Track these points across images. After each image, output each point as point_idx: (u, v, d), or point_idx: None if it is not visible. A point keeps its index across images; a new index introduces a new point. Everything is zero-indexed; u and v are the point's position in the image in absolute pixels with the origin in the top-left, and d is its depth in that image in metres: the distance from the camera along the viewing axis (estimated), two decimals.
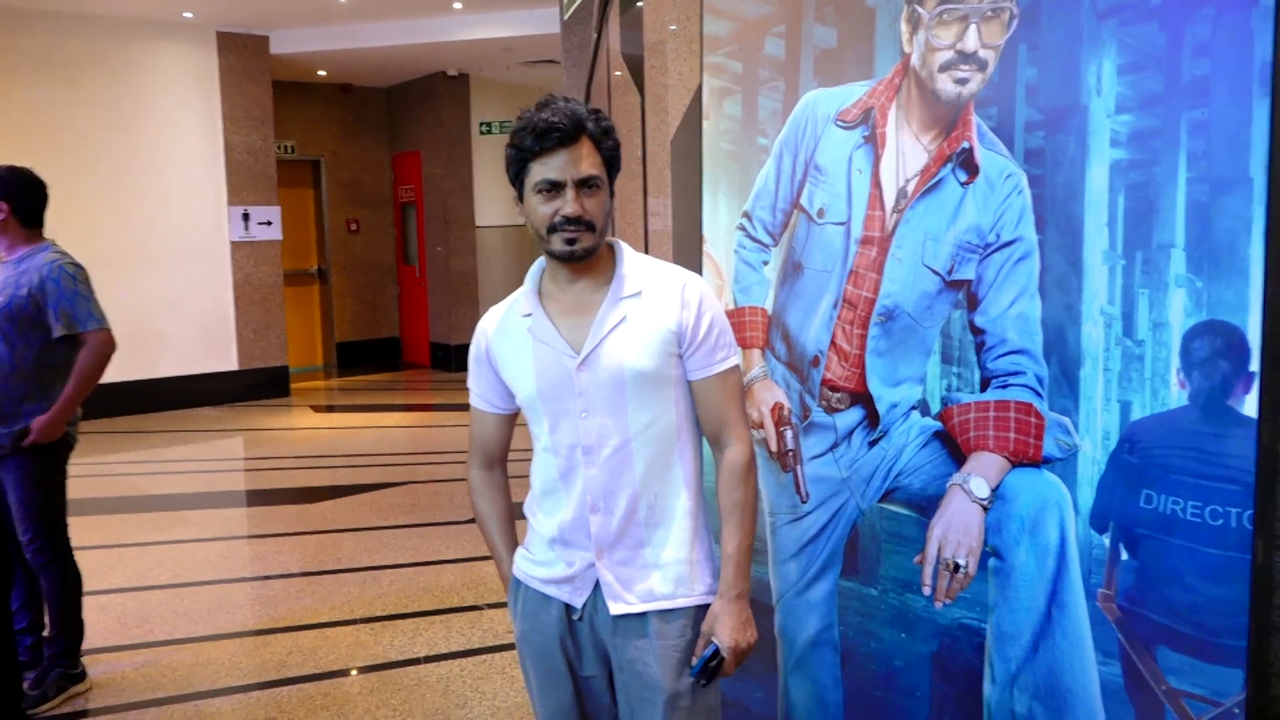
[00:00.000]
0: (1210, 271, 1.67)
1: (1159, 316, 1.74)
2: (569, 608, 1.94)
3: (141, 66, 8.95)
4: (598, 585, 1.90)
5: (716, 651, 1.84)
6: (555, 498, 1.93)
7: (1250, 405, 1.64)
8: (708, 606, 1.89)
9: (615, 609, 1.88)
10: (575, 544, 1.90)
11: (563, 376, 1.85)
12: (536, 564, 1.97)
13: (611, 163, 1.82)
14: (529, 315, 1.89)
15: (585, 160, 1.76)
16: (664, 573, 1.88)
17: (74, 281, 3.43)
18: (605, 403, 1.83)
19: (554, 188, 1.77)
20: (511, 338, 1.92)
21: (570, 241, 1.77)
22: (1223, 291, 1.66)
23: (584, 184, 1.77)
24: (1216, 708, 1.71)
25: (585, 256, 1.81)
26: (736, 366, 1.89)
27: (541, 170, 1.77)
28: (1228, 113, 1.63)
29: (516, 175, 1.81)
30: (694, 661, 1.87)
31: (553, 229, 1.78)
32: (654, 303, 1.83)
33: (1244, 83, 1.61)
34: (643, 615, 1.88)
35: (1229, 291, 1.65)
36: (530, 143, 1.76)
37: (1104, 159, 1.80)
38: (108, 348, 3.49)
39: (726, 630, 1.84)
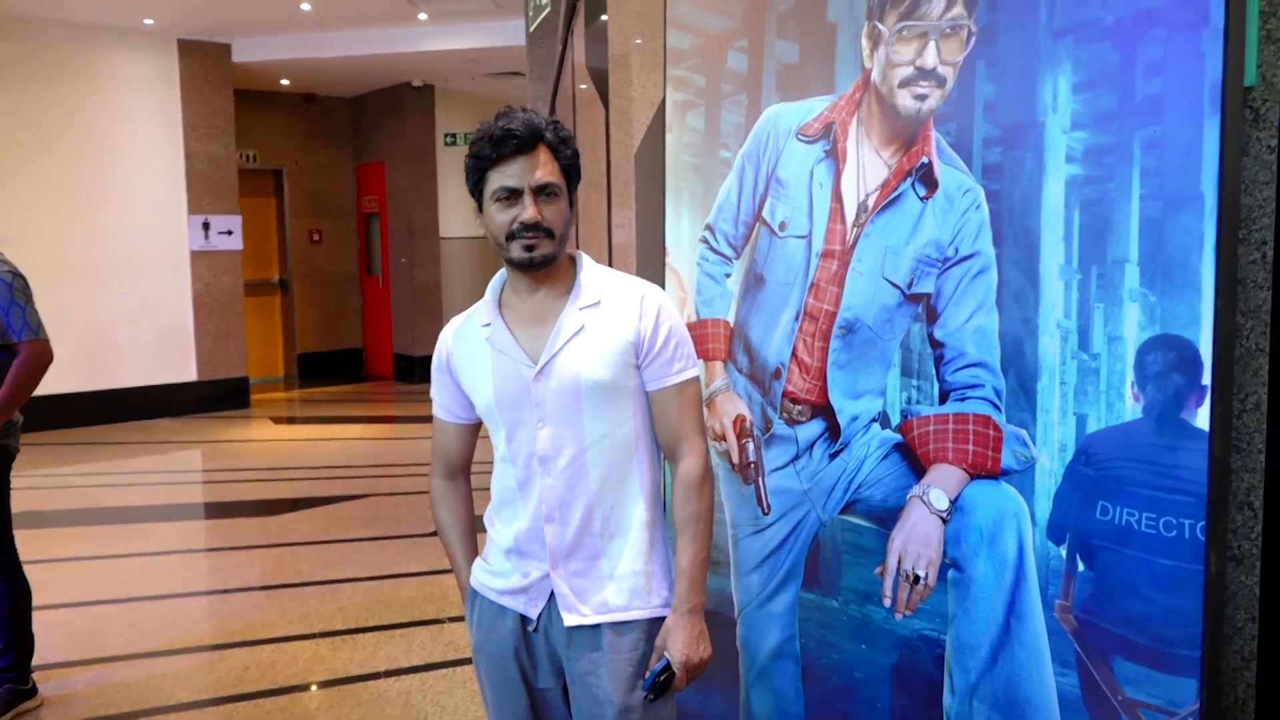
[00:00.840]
0: (1163, 286, 1.70)
1: (1114, 330, 1.77)
2: (524, 619, 1.93)
3: (101, 74, 8.85)
4: (553, 596, 1.89)
5: (668, 666, 1.83)
6: (512, 507, 1.92)
7: (1203, 418, 1.67)
8: (663, 619, 1.89)
9: (569, 620, 1.88)
10: (531, 554, 1.90)
11: (520, 386, 1.84)
12: (493, 574, 1.96)
13: (570, 172, 1.82)
14: (488, 325, 1.89)
15: (543, 168, 1.77)
16: (619, 584, 1.87)
17: (10, 290, 3.35)
18: (561, 413, 1.83)
19: (512, 195, 1.77)
20: (471, 348, 1.92)
21: (529, 248, 1.77)
22: (1175, 306, 1.68)
23: (541, 191, 1.77)
24: (1171, 717, 1.73)
25: (544, 264, 1.80)
26: (695, 378, 1.89)
27: (499, 178, 1.77)
28: (1179, 130, 1.66)
29: (475, 185, 1.82)
30: (646, 675, 1.86)
31: (511, 236, 1.78)
32: (612, 313, 1.83)
33: (1195, 101, 1.64)
34: (596, 627, 1.87)
35: (1182, 306, 1.68)
36: (488, 150, 1.76)
37: (1060, 175, 1.82)
38: (42, 358, 3.40)
39: (678, 645, 1.83)
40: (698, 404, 1.90)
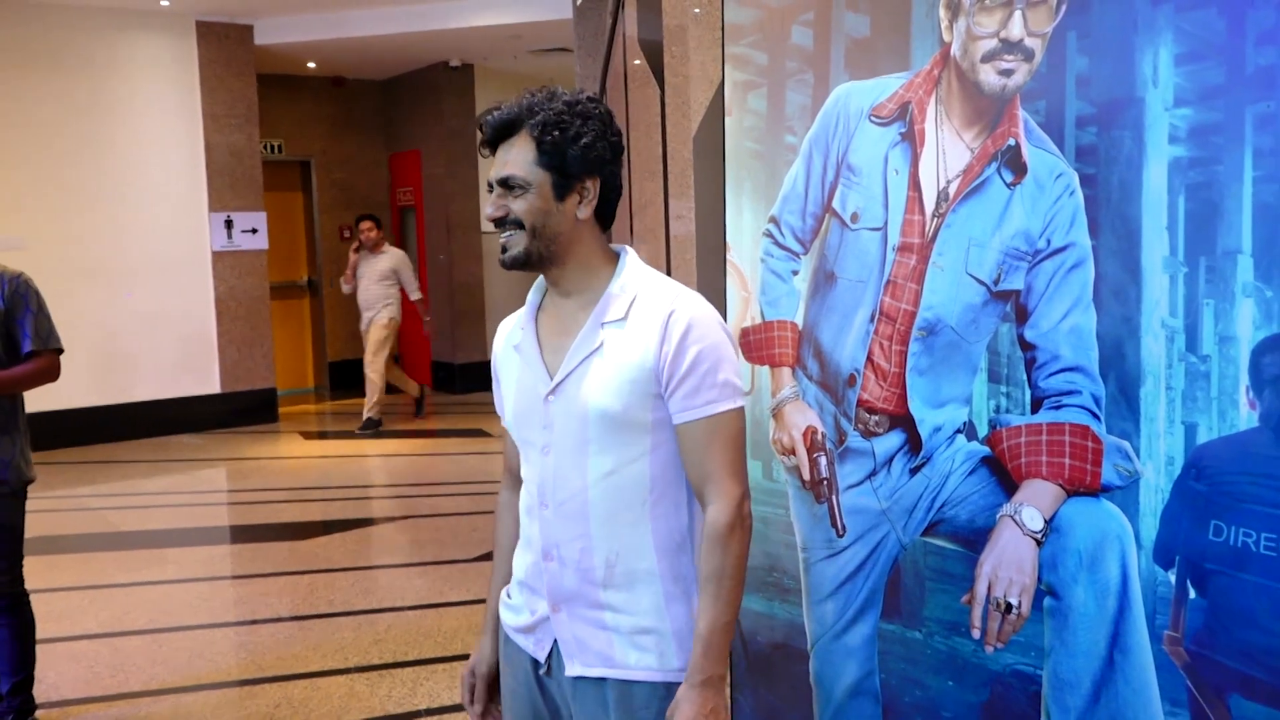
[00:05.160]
0: None
1: (1226, 329, 1.76)
2: (536, 661, 1.95)
3: (114, 60, 9.09)
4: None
5: None
6: (527, 534, 1.96)
7: None
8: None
9: (571, 669, 1.88)
10: (536, 591, 1.93)
11: (534, 404, 1.88)
12: (509, 608, 2.01)
13: (556, 162, 1.79)
14: (523, 330, 1.94)
15: (512, 161, 1.81)
16: (625, 640, 1.85)
17: (38, 297, 3.62)
18: (566, 441, 1.84)
19: (490, 189, 1.85)
20: (508, 352, 1.98)
21: (503, 248, 1.84)
22: None
23: (505, 185, 1.82)
24: None
25: (516, 264, 1.84)
26: (732, 412, 1.82)
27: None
28: None
29: None
30: None
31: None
32: (635, 333, 1.80)
33: None
34: (602, 681, 1.86)
35: None
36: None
37: (1162, 156, 1.82)
38: (58, 372, 3.67)
39: None
40: (734, 442, 1.83)
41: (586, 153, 1.81)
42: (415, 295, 9.66)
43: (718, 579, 1.79)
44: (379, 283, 9.44)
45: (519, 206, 1.81)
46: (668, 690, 1.84)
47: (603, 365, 1.81)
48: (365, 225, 9.42)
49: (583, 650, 1.87)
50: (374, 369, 9.46)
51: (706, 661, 1.78)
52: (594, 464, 1.82)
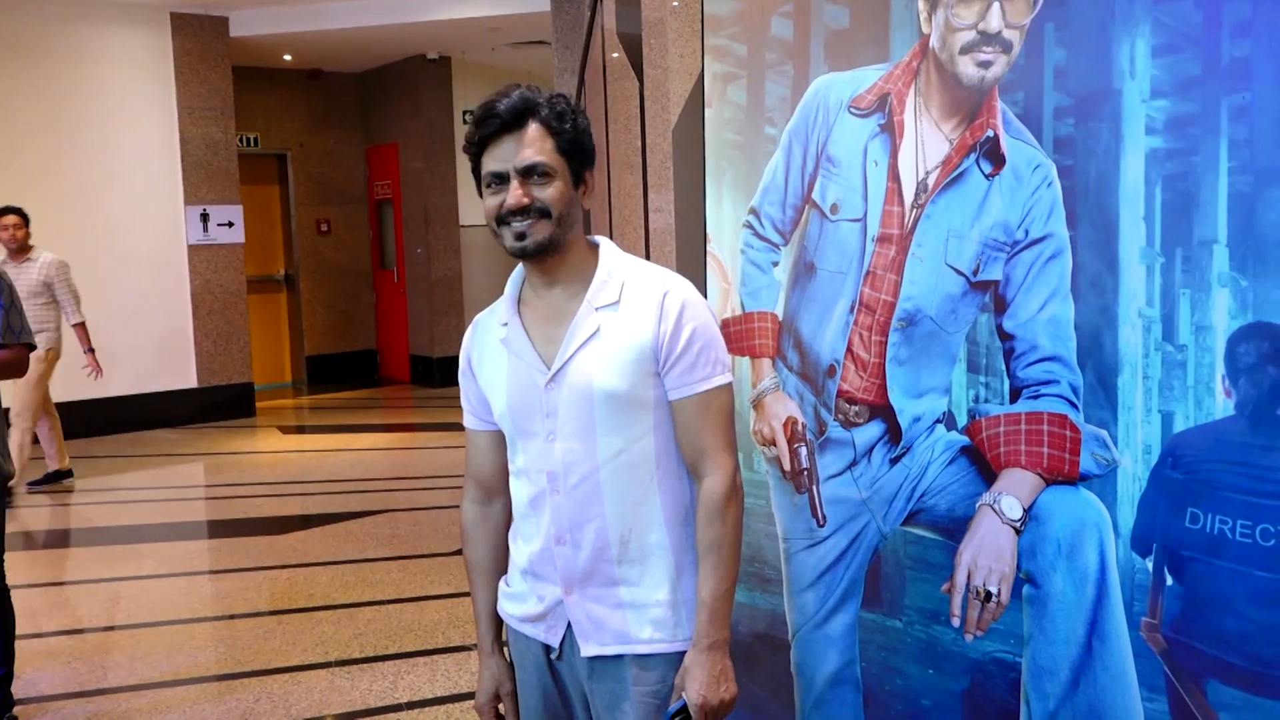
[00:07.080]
0: (1256, 269, 1.71)
1: (1202, 319, 1.78)
2: (548, 648, 1.97)
3: (86, 51, 9.00)
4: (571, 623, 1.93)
5: (684, 708, 1.84)
6: (528, 524, 1.96)
7: None
8: None
9: (587, 650, 1.91)
10: (545, 577, 1.94)
11: (532, 394, 1.88)
12: (512, 599, 2.02)
13: (572, 150, 1.82)
14: (506, 325, 1.93)
15: (530, 147, 1.79)
16: (639, 614, 1.89)
17: (13, 292, 3.63)
18: (573, 425, 1.85)
19: (499, 180, 1.81)
20: (490, 348, 1.97)
21: (520, 236, 1.80)
22: (1270, 290, 1.70)
23: (529, 173, 1.80)
24: None
25: (540, 251, 1.82)
26: (723, 387, 1.88)
27: (488, 162, 1.82)
28: (1271, 96, 1.67)
29: (474, 168, 1.87)
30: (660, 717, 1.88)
31: (502, 221, 1.82)
32: (631, 314, 1.84)
33: None
34: (619, 658, 1.90)
35: (1277, 291, 1.69)
36: (473, 133, 1.83)
37: (1139, 148, 1.84)
38: (25, 367, 3.70)
39: (696, 685, 1.83)
40: (725, 416, 1.89)
41: (588, 143, 1.85)
42: (75, 319, 7.04)
43: (718, 548, 1.85)
44: (31, 299, 6.75)
45: (548, 194, 1.80)
46: (680, 659, 1.90)
47: (603, 348, 1.84)
48: (10, 220, 6.86)
49: (599, 630, 1.91)
50: (25, 419, 6.89)
51: (712, 627, 1.84)
52: (603, 445, 1.85)
